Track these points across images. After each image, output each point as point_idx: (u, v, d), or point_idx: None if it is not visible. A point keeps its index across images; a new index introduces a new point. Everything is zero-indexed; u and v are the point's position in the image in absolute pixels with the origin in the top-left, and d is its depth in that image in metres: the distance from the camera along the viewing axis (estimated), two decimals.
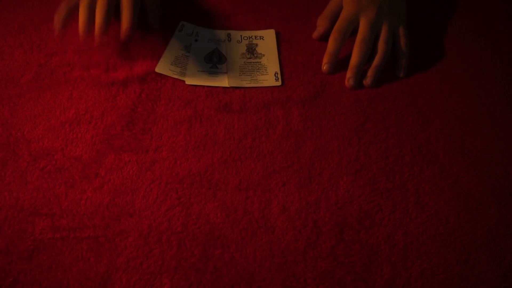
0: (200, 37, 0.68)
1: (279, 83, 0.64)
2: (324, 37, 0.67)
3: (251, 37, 0.69)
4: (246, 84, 0.64)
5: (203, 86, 0.63)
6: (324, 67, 0.65)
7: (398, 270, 0.50)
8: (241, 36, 0.68)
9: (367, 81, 0.64)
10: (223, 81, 0.63)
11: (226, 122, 0.60)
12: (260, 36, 0.69)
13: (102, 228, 0.51)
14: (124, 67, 0.65)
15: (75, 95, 0.62)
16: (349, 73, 0.64)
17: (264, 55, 0.67)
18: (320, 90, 0.63)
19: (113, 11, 0.62)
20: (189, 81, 0.64)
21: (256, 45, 0.68)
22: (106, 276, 0.49)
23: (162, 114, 0.60)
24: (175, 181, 0.55)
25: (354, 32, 0.66)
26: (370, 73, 0.64)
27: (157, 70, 0.64)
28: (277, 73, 0.64)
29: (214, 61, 0.66)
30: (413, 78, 0.65)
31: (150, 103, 0.61)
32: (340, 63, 0.65)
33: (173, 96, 0.62)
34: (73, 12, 0.63)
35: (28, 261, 0.49)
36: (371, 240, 0.52)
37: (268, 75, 0.64)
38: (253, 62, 0.66)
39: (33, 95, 0.62)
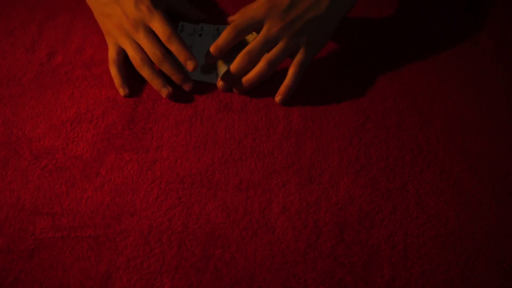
0: (204, 32, 0.68)
1: None
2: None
3: (253, 33, 0.68)
4: None
5: (205, 85, 0.63)
6: (207, 59, 0.61)
7: (398, 270, 0.50)
8: None
9: (235, 89, 0.62)
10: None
11: (227, 122, 0.60)
12: None
13: (103, 228, 0.52)
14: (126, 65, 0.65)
15: (76, 94, 0.62)
16: (221, 77, 0.62)
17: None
18: (321, 90, 0.63)
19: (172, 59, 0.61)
20: (193, 76, 0.64)
21: None
22: (106, 276, 0.49)
23: (163, 114, 0.60)
24: (175, 181, 0.55)
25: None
26: (242, 83, 0.61)
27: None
28: None
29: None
30: (413, 78, 0.65)
31: (151, 102, 0.61)
32: (339, 60, 0.65)
33: (174, 95, 0.62)
34: (124, 71, 0.63)
35: (28, 260, 0.49)
36: (372, 241, 0.52)
37: None
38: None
39: (34, 94, 0.62)
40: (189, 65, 0.59)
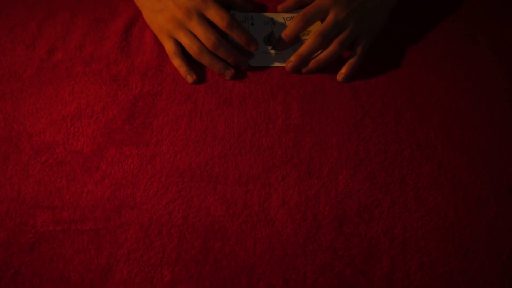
0: (256, 20, 0.68)
1: None
2: (286, 11, 0.69)
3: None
4: None
5: (206, 82, 0.64)
6: (277, 47, 0.65)
7: (397, 263, 0.50)
8: (284, 17, 0.69)
9: (304, 69, 0.64)
10: (283, 61, 0.65)
11: (226, 117, 0.60)
12: None
13: (103, 221, 0.52)
14: (126, 61, 0.65)
15: (76, 89, 0.62)
16: (292, 57, 0.64)
17: (311, 31, 0.67)
18: (319, 85, 0.64)
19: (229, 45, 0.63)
20: (254, 62, 0.65)
21: None
22: (107, 268, 0.49)
23: (162, 109, 0.61)
24: (175, 175, 0.55)
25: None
26: (311, 63, 0.64)
27: None
28: None
29: (273, 42, 0.66)
30: (411, 74, 0.65)
31: (151, 97, 0.62)
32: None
33: (173, 90, 0.62)
34: (186, 59, 0.64)
35: (29, 253, 0.50)
36: (371, 234, 0.52)
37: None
38: (304, 39, 0.66)
39: (35, 90, 0.62)
40: (252, 47, 0.63)
